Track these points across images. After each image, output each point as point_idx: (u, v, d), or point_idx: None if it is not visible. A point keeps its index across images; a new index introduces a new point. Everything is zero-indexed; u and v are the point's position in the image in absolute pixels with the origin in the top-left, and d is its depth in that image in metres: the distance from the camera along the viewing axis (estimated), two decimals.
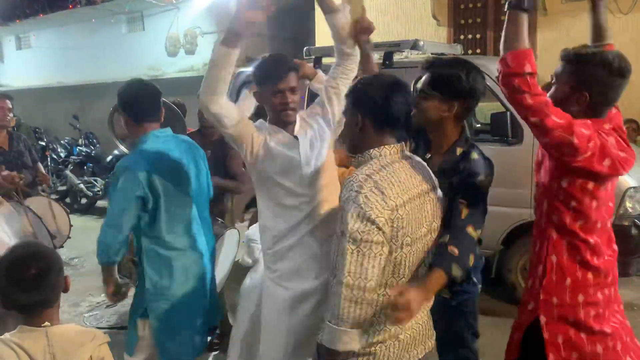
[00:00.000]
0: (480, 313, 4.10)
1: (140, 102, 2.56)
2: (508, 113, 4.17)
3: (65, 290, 1.79)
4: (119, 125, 3.63)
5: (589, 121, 1.92)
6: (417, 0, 8.29)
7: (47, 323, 1.68)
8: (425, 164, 2.01)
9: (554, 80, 2.09)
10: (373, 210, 1.67)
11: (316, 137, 2.43)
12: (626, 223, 3.97)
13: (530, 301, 2.18)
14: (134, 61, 12.03)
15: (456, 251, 1.89)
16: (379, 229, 1.67)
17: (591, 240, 2.02)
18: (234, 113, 2.30)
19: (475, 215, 2.03)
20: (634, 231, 3.98)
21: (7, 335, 1.67)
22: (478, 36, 8.04)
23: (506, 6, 2.00)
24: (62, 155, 10.01)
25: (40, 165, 4.37)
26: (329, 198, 2.39)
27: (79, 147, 9.92)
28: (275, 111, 2.37)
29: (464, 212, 2.01)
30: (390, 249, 1.72)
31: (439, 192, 1.98)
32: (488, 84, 4.31)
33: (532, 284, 2.19)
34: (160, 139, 2.56)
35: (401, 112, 1.84)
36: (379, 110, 1.82)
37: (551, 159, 2.04)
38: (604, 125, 1.98)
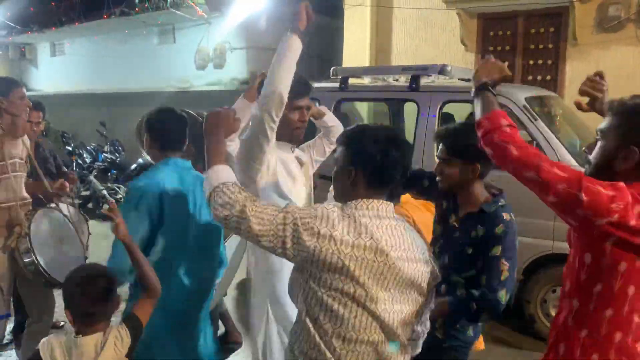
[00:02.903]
0: (493, 342, 4.03)
1: (168, 131, 2.56)
2: (534, 143, 4.13)
3: (115, 309, 2.02)
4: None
5: (621, 183, 1.58)
6: (446, 25, 8.31)
7: (80, 335, 1.93)
8: (418, 234, 1.83)
9: (598, 137, 1.77)
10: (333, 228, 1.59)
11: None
12: None
13: None
14: (163, 72, 12.23)
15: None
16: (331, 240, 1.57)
17: (617, 337, 1.63)
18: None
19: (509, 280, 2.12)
20: None
21: (60, 336, 1.98)
22: (506, 63, 7.98)
23: (472, 93, 1.96)
24: (88, 160, 10.17)
25: (66, 170, 4.41)
26: None
27: (104, 154, 10.07)
28: (292, 128, 2.48)
29: (504, 274, 2.11)
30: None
31: (431, 268, 1.77)
32: (514, 111, 4.30)
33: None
34: (177, 169, 2.53)
35: (397, 171, 1.72)
36: (375, 167, 1.70)
37: (572, 228, 1.72)
38: None
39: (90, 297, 1.92)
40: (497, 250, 2.15)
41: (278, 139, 2.45)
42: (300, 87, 2.41)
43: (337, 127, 2.98)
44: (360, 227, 1.60)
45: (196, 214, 2.52)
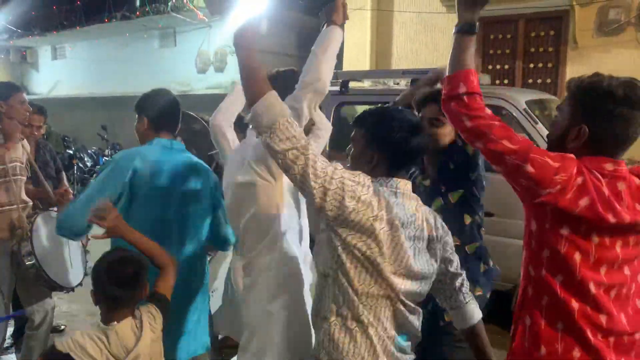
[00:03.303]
0: (496, 348, 4.03)
1: (164, 110, 2.56)
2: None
3: (143, 296, 1.99)
4: None
5: (571, 155, 1.62)
6: (446, 29, 8.31)
7: (115, 322, 1.88)
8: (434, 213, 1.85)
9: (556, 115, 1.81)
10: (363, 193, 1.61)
11: None
12: None
13: None
14: (164, 76, 12.26)
15: None
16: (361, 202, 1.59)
17: (575, 306, 1.61)
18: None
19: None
20: None
21: (88, 330, 1.90)
22: (507, 67, 8.01)
23: (455, 29, 1.78)
24: (89, 164, 10.20)
25: (64, 176, 4.41)
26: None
27: (105, 157, 10.09)
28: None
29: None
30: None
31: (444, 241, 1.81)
32: (515, 115, 4.30)
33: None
34: (162, 148, 2.50)
35: (418, 155, 1.80)
36: (399, 153, 1.72)
37: (519, 196, 1.72)
38: (605, 165, 1.62)
39: (119, 281, 1.90)
40: (473, 176, 2.37)
41: None
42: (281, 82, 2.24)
43: (323, 122, 2.75)
44: (386, 203, 1.63)
45: (176, 193, 2.45)
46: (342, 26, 2.25)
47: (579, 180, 1.57)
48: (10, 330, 3.96)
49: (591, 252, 1.60)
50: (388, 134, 1.70)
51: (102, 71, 13.85)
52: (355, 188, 1.60)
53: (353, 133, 1.83)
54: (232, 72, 11.20)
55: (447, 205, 2.39)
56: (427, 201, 2.15)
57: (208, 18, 11.11)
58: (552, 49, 7.69)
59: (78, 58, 15.04)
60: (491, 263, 2.65)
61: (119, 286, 1.90)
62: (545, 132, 4.23)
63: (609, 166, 1.62)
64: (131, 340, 1.87)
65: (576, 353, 1.61)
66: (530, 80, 7.84)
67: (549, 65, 7.72)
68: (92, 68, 14.35)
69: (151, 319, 1.97)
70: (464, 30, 1.75)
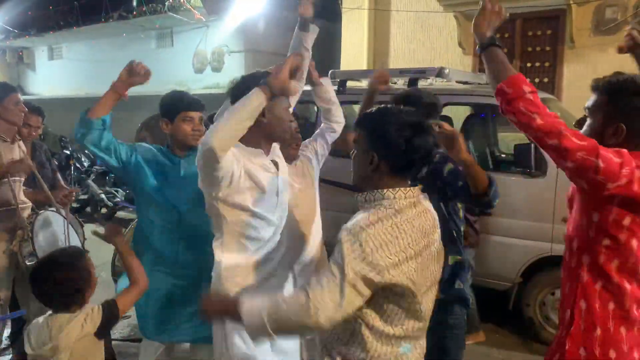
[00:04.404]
0: (495, 347, 4.02)
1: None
2: (532, 145, 4.13)
3: (87, 289, 2.07)
4: (143, 140, 3.65)
5: (625, 150, 1.72)
6: (443, 28, 8.32)
7: (50, 312, 2.04)
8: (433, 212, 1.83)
9: (587, 114, 1.92)
10: (374, 253, 1.55)
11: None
12: None
13: (557, 351, 1.94)
14: (161, 76, 12.21)
15: None
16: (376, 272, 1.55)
17: (628, 286, 1.77)
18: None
19: None
20: None
21: (39, 319, 2.06)
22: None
23: (478, 49, 1.91)
24: (86, 164, 10.15)
25: (60, 177, 4.39)
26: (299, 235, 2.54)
27: None
28: (284, 128, 2.23)
29: None
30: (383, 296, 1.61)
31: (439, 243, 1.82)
32: None
33: (560, 332, 1.97)
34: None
35: (422, 157, 1.70)
36: (400, 156, 1.65)
37: (580, 190, 1.83)
38: None
39: (44, 283, 2.01)
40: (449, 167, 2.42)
41: (280, 141, 2.34)
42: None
43: (337, 104, 2.98)
44: (401, 233, 1.60)
45: (182, 189, 2.62)
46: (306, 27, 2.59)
47: (638, 173, 1.69)
48: (7, 331, 3.95)
49: None
50: (387, 133, 1.64)
51: (99, 72, 13.82)
52: (369, 262, 1.54)
53: (355, 135, 1.79)
54: (230, 72, 11.18)
55: None
56: None
57: (205, 18, 11.10)
58: (549, 48, 7.70)
59: (75, 58, 15.02)
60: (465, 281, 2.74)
61: (50, 288, 2.02)
62: None
63: None
64: (54, 333, 1.98)
65: (622, 330, 1.78)
66: (527, 80, 7.84)
67: (547, 64, 7.73)
68: (89, 68, 14.32)
69: (88, 317, 2.04)
70: (486, 45, 1.88)
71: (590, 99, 1.88)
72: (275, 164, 2.27)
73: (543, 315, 4.26)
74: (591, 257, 1.83)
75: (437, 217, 1.80)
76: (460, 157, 2.16)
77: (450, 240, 2.54)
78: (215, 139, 1.89)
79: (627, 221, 1.74)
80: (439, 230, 1.79)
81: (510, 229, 4.15)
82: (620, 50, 2.38)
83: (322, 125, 3.00)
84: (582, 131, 1.86)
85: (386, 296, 1.61)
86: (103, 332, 2.06)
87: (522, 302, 4.39)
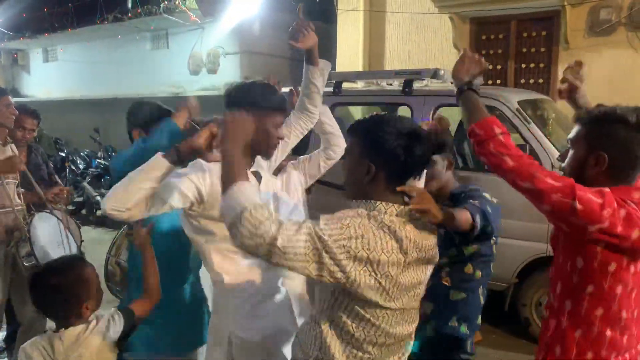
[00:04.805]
0: (491, 347, 4.03)
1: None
2: (527, 146, 4.15)
3: (92, 296, 1.97)
4: None
5: (607, 189, 1.65)
6: (438, 30, 8.33)
7: (62, 329, 1.90)
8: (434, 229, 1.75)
9: (570, 145, 1.86)
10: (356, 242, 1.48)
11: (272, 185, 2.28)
12: None
13: None
14: (157, 78, 12.22)
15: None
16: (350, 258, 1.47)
17: (609, 334, 1.71)
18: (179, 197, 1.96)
19: None
20: None
21: (37, 338, 1.92)
22: (499, 67, 8.04)
23: (456, 94, 1.95)
24: (81, 167, 10.13)
25: (57, 179, 4.37)
26: None
27: (97, 160, 10.04)
28: (270, 144, 2.12)
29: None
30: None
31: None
32: (507, 115, 4.31)
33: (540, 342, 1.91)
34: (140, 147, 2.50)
35: (421, 165, 1.67)
36: (398, 165, 1.59)
37: (563, 233, 1.76)
38: (633, 194, 1.69)
39: (46, 292, 1.91)
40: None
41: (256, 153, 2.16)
42: (284, 102, 2.16)
43: (336, 134, 2.74)
44: (391, 239, 1.53)
45: None
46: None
47: (622, 212, 1.61)
48: (2, 335, 3.94)
49: (629, 282, 1.69)
50: (384, 140, 1.57)
51: (94, 73, 13.80)
52: (349, 247, 1.47)
53: (348, 144, 1.73)
54: (225, 74, 11.18)
55: None
56: None
57: (200, 19, 11.08)
58: (544, 49, 7.72)
59: (70, 60, 14.97)
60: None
61: (46, 298, 1.92)
62: (537, 132, 4.25)
63: (636, 194, 1.69)
64: (75, 345, 1.88)
65: None
66: (522, 81, 7.86)
67: (541, 65, 7.75)
68: (84, 70, 14.28)
69: (111, 324, 1.95)
70: (462, 90, 1.91)
71: (573, 130, 1.84)
72: (257, 175, 2.19)
73: (539, 316, 4.28)
74: (573, 304, 1.75)
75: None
76: (438, 220, 1.76)
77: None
78: (109, 204, 1.81)
79: (612, 267, 1.66)
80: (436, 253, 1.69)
81: (505, 229, 4.16)
82: (561, 95, 2.24)
83: (322, 149, 2.80)
84: (565, 163, 1.84)
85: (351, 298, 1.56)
86: (124, 340, 1.98)
87: (518, 302, 4.41)
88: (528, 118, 4.31)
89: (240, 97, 2.06)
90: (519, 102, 4.43)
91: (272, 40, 10.93)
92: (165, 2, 11.37)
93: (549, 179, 1.64)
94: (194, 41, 11.79)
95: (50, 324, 2.11)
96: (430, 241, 1.65)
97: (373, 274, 1.50)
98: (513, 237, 4.13)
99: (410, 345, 1.75)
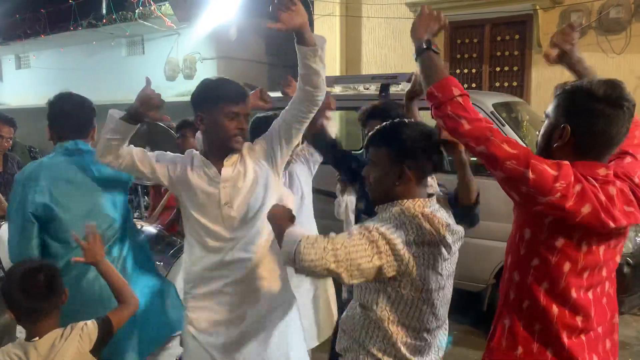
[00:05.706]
0: (471, 348, 4.07)
1: (64, 116, 2.61)
2: None
3: (62, 302, 1.97)
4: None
5: (566, 162, 1.59)
6: None
7: (36, 338, 1.88)
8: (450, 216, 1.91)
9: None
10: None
11: (258, 181, 2.21)
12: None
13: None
14: (132, 84, 12.03)
15: None
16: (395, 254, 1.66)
17: (556, 311, 1.66)
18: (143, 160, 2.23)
19: None
20: (626, 269, 3.98)
21: (9, 346, 1.89)
22: (474, 70, 8.15)
23: (414, 55, 1.81)
24: None
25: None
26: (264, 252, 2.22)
27: None
28: (227, 137, 2.13)
29: None
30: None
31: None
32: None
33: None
34: (66, 153, 2.47)
35: (438, 161, 1.87)
36: (429, 162, 1.80)
37: (514, 203, 1.69)
38: (598, 170, 1.61)
39: (32, 292, 1.87)
40: None
41: (216, 150, 2.20)
42: (236, 92, 2.15)
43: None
44: (424, 225, 1.72)
45: (88, 201, 2.38)
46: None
47: (578, 187, 1.54)
48: None
49: (579, 260, 1.62)
50: (417, 143, 1.76)
51: (68, 80, 13.58)
52: (399, 235, 1.67)
53: (371, 155, 1.85)
54: (202, 79, 11.11)
55: None
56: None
57: (176, 25, 11.02)
58: (517, 52, 7.85)
59: (43, 67, 14.76)
60: None
61: (34, 297, 1.88)
62: (512, 134, 4.31)
63: (602, 171, 1.61)
64: (52, 354, 1.86)
65: (549, 353, 1.67)
66: (497, 84, 7.99)
67: (515, 68, 7.88)
68: (58, 77, 14.08)
69: (84, 333, 1.94)
70: (422, 50, 1.77)
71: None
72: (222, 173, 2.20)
73: None
74: (520, 276, 1.72)
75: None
76: (460, 157, 1.95)
77: None
78: (96, 155, 2.24)
79: (559, 242, 1.61)
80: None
81: (484, 231, 4.21)
82: (547, 59, 2.15)
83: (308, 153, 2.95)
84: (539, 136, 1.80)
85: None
86: (99, 348, 1.96)
87: (496, 303, 4.45)
88: (503, 121, 4.36)
89: (194, 96, 2.21)
90: (493, 105, 4.48)
91: (249, 46, 10.92)
92: (141, 8, 11.29)
93: (505, 145, 1.58)
94: (170, 47, 11.73)
95: (20, 334, 2.07)
96: (457, 226, 1.82)
97: (424, 255, 1.69)
98: (490, 238, 4.18)
99: (448, 342, 1.93)
